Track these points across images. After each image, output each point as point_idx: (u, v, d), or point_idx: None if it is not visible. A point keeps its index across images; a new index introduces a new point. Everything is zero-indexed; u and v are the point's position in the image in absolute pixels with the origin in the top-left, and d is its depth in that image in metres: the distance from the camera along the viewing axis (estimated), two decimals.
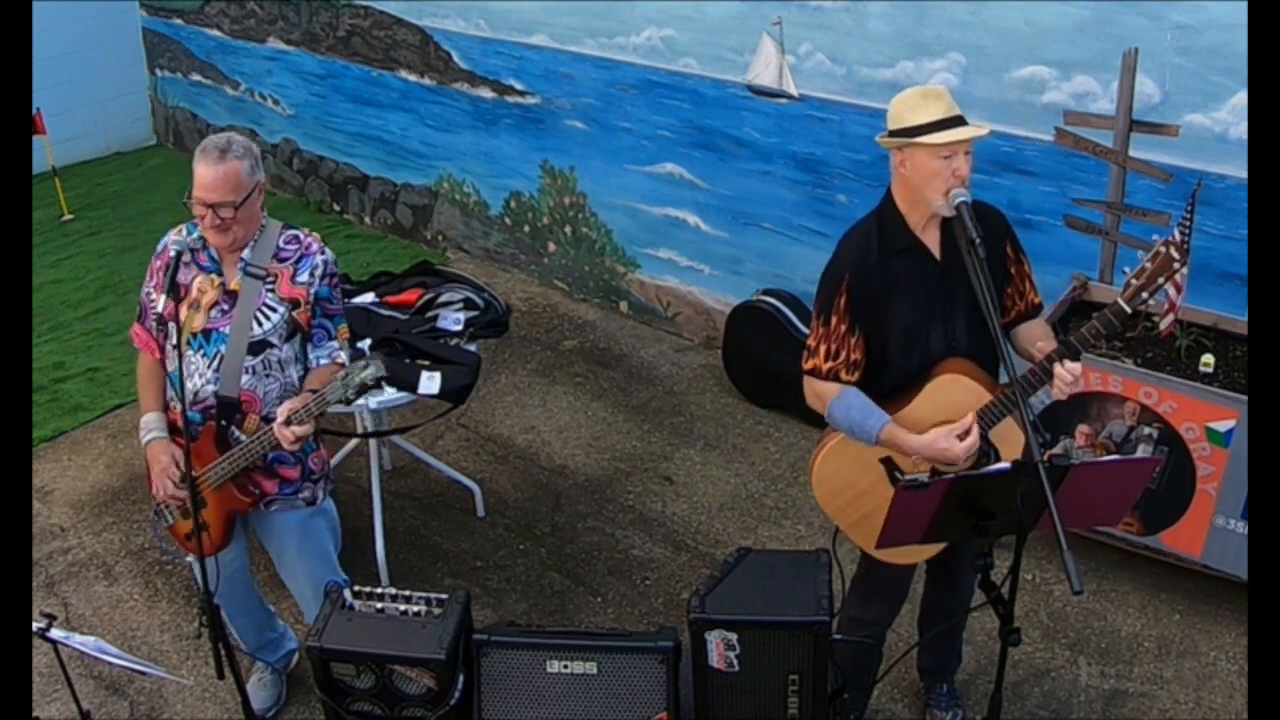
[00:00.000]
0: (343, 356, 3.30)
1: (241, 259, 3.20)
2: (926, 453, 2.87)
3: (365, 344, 3.19)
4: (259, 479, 3.29)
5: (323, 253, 3.29)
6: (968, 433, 2.84)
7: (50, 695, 3.82)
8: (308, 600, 3.55)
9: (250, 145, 3.15)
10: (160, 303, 3.21)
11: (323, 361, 3.28)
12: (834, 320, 2.94)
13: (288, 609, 4.10)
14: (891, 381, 2.99)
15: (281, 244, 3.26)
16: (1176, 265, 2.70)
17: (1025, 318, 3.05)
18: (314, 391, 3.14)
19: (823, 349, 2.97)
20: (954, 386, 2.91)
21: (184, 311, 3.17)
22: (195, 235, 3.23)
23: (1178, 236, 3.86)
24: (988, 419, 2.89)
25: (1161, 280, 2.72)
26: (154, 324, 3.28)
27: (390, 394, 4.00)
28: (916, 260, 2.92)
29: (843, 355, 2.96)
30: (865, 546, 3.14)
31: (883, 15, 4.73)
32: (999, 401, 2.87)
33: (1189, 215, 3.89)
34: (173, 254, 3.11)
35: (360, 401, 3.76)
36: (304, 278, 3.24)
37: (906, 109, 2.83)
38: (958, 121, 2.79)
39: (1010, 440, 2.94)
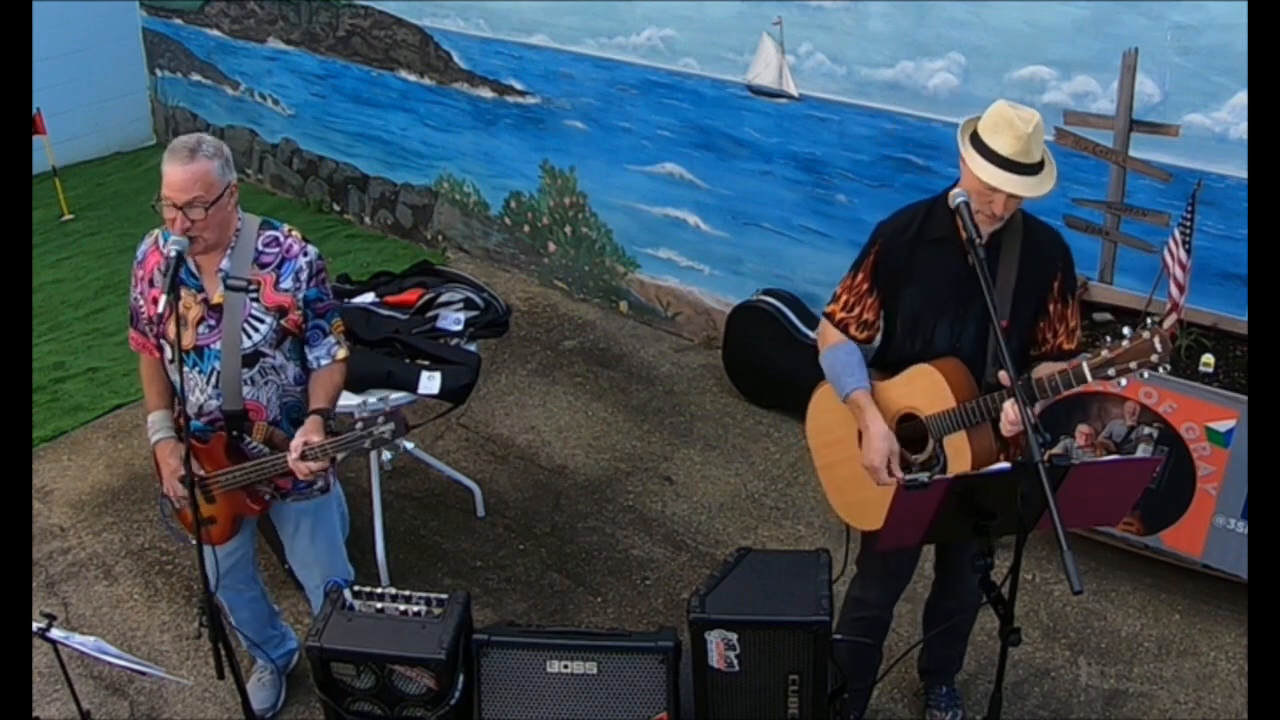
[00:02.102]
0: (340, 352, 3.25)
1: (221, 269, 3.10)
2: (865, 435, 3.00)
3: (394, 396, 3.12)
4: (274, 479, 3.27)
5: (305, 253, 3.15)
6: (891, 474, 2.96)
7: (50, 695, 3.82)
8: (315, 588, 3.56)
9: (221, 145, 3.04)
10: (161, 303, 3.11)
11: (323, 362, 3.23)
12: (859, 276, 3.04)
13: (288, 609, 4.11)
14: (892, 358, 3.05)
15: (261, 247, 3.14)
16: (1155, 359, 2.61)
17: (1052, 358, 3.01)
18: (322, 411, 3.14)
19: (843, 299, 3.09)
20: (926, 381, 2.95)
21: (171, 328, 3.04)
22: (169, 244, 3.06)
23: (1179, 237, 3.88)
24: (943, 425, 2.93)
25: (1134, 365, 2.64)
26: (147, 327, 3.23)
27: (391, 395, 4.00)
28: (946, 254, 2.92)
29: (857, 310, 3.06)
30: (830, 495, 3.28)
31: (883, 15, 4.73)
32: (960, 411, 2.89)
33: (1189, 215, 3.91)
34: (173, 254, 2.97)
35: (358, 399, 3.77)
36: (288, 284, 3.14)
37: (990, 123, 2.79)
38: (1023, 169, 2.74)
39: (960, 453, 2.95)
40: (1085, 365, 2.70)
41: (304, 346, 3.24)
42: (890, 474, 2.96)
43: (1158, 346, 2.62)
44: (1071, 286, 2.99)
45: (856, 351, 3.06)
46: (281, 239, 3.17)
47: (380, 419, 3.02)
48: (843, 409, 3.12)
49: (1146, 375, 2.67)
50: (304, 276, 3.15)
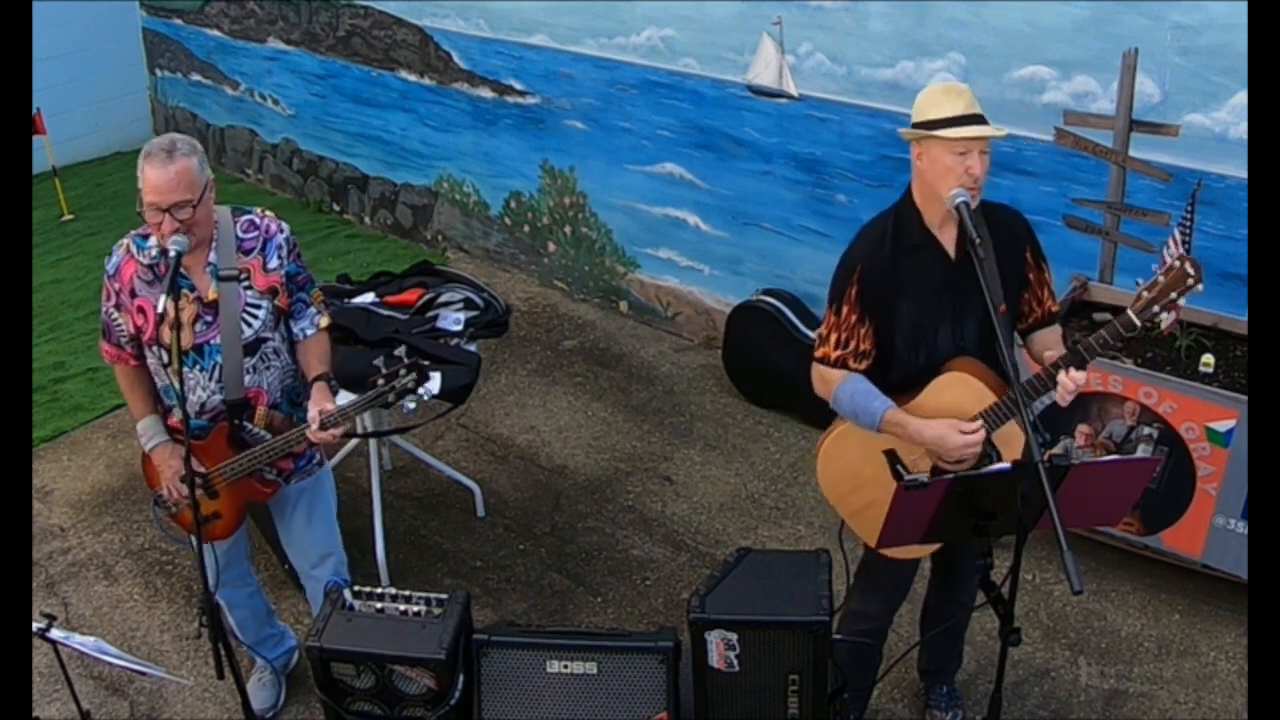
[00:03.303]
0: (324, 320, 3.28)
1: (209, 263, 3.10)
2: (927, 440, 2.88)
3: (401, 350, 3.13)
4: (277, 462, 3.28)
5: (281, 230, 3.20)
6: (971, 432, 2.84)
7: (50, 695, 3.82)
8: (311, 568, 3.53)
9: (195, 143, 3.03)
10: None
11: (308, 332, 3.25)
12: (845, 310, 2.96)
13: (287, 609, 4.11)
14: (898, 376, 3.00)
15: (241, 234, 3.15)
16: (1191, 281, 2.67)
17: (1041, 325, 3.05)
18: (323, 376, 3.15)
19: (833, 338, 3.00)
20: (960, 385, 2.91)
21: (166, 333, 3.03)
22: (152, 250, 3.08)
23: (1179, 237, 3.88)
24: (991, 421, 2.89)
25: (1174, 295, 2.68)
26: (124, 339, 3.20)
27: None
28: (928, 258, 2.91)
29: (852, 344, 2.98)
30: (866, 538, 3.15)
31: (883, 15, 4.73)
32: (1004, 404, 2.87)
33: (1189, 215, 3.91)
34: (173, 253, 2.94)
35: (355, 398, 3.76)
36: (274, 263, 3.16)
37: (929, 103, 2.84)
38: (977, 120, 2.79)
39: (1012, 443, 2.94)
40: (1130, 313, 2.72)
41: (289, 320, 3.25)
42: (971, 436, 2.86)
43: (1190, 270, 2.67)
44: (1040, 251, 3.02)
45: (866, 379, 2.98)
46: (258, 221, 3.20)
47: (401, 370, 3.03)
48: (863, 447, 3.04)
49: (1185, 302, 2.71)
50: (284, 253, 3.19)
